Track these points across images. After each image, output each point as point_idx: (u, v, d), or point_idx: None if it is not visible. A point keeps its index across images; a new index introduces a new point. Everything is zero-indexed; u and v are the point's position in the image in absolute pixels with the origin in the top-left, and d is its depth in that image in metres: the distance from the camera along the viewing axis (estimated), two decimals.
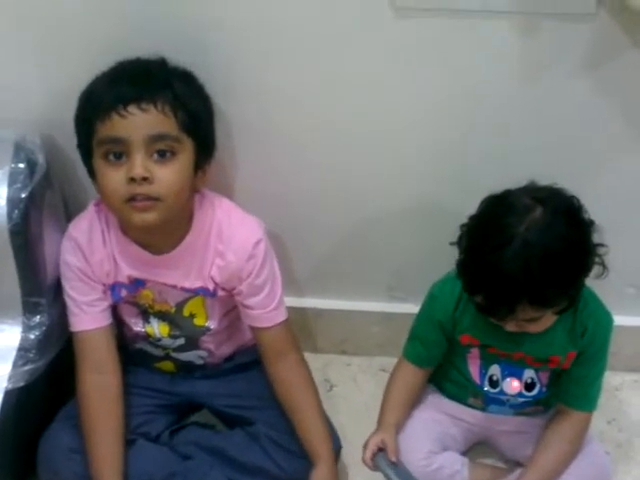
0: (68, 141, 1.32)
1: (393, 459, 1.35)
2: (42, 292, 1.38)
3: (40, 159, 1.35)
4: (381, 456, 1.36)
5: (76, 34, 1.33)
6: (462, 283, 1.28)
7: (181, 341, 1.45)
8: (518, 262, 1.17)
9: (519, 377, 1.41)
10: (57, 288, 1.39)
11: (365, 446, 1.37)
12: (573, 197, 1.24)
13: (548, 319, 1.27)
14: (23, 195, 1.31)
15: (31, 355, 1.36)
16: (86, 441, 1.36)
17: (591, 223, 1.24)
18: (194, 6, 1.30)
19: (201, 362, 1.50)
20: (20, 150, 1.33)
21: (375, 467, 1.37)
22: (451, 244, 1.29)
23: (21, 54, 1.36)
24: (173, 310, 1.40)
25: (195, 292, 1.37)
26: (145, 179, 1.21)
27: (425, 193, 1.50)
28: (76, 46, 1.34)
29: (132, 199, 1.22)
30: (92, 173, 1.28)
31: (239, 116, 1.41)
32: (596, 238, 1.24)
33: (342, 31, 1.31)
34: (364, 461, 1.37)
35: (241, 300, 1.38)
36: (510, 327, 1.28)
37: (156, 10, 1.29)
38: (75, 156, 1.32)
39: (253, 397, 1.48)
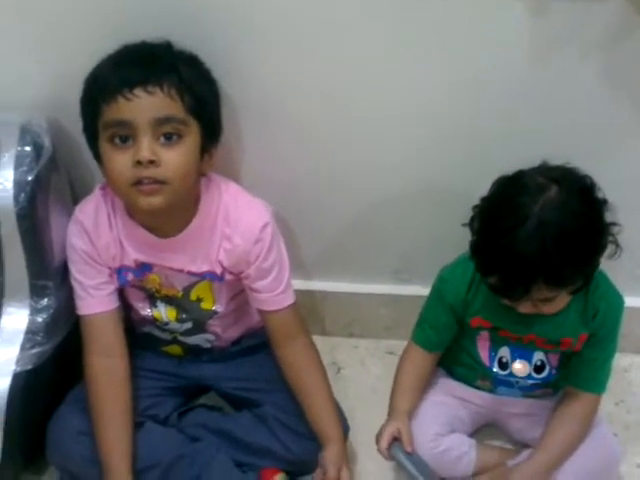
0: (74, 124, 1.31)
1: (409, 449, 1.35)
2: (49, 275, 1.38)
3: (46, 142, 1.34)
4: (397, 446, 1.35)
5: (80, 17, 1.32)
6: (475, 264, 1.28)
7: (188, 325, 1.45)
8: (534, 242, 1.16)
9: (529, 359, 1.41)
10: (64, 271, 1.39)
11: (379, 435, 1.37)
12: (586, 176, 1.23)
13: (562, 299, 1.27)
14: (29, 178, 1.30)
15: (39, 338, 1.36)
16: (94, 424, 1.37)
17: (605, 202, 1.23)
18: None
19: (208, 345, 1.50)
20: (26, 133, 1.33)
21: (391, 457, 1.36)
22: (463, 225, 1.29)
23: (26, 38, 1.35)
24: (180, 294, 1.40)
25: (202, 276, 1.37)
26: (152, 162, 1.20)
27: (432, 176, 1.50)
28: (81, 29, 1.32)
29: (138, 183, 1.21)
30: (98, 157, 1.28)
31: (245, 100, 1.40)
32: (609, 217, 1.23)
33: (347, 16, 1.30)
34: (380, 451, 1.37)
35: (249, 284, 1.38)
36: (524, 308, 1.27)
37: None
38: (81, 139, 1.31)
39: (261, 380, 1.48)
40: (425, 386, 1.46)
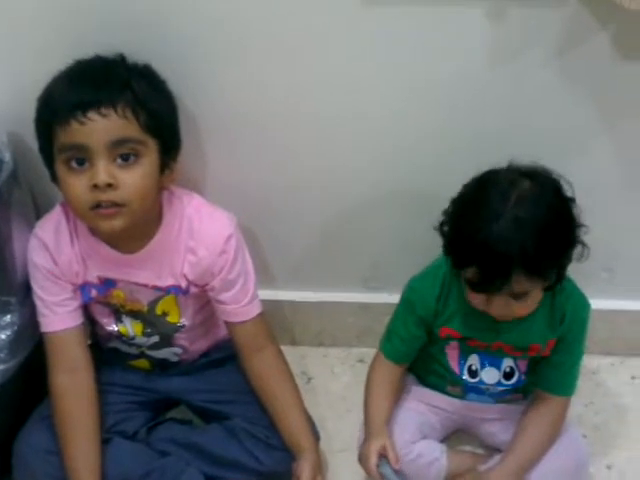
0: (35, 139, 1.29)
1: (397, 466, 1.33)
2: (12, 291, 1.36)
3: (7, 157, 1.33)
4: (385, 463, 1.33)
5: (36, 29, 1.31)
6: (451, 261, 1.27)
7: (155, 339, 1.44)
8: (510, 237, 1.16)
9: (498, 366, 1.41)
10: (27, 287, 1.37)
11: (365, 454, 1.35)
12: (554, 173, 1.24)
13: (535, 297, 1.26)
14: None
15: (2, 355, 1.34)
16: (61, 442, 1.35)
17: (573, 200, 1.24)
18: None
19: (176, 359, 1.49)
20: None
21: (380, 476, 1.33)
22: (434, 229, 1.28)
23: None
24: (145, 309, 1.39)
25: (167, 290, 1.36)
26: (109, 185, 1.19)
27: (400, 182, 1.49)
28: (40, 42, 1.31)
29: (97, 206, 1.20)
30: (56, 178, 1.26)
31: (205, 110, 1.39)
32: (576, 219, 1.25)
33: (311, 21, 1.30)
34: (369, 471, 1.34)
35: (214, 296, 1.37)
36: (497, 308, 1.26)
37: (115, 2, 1.27)
38: None
39: (230, 392, 1.47)
40: (397, 395, 1.45)
